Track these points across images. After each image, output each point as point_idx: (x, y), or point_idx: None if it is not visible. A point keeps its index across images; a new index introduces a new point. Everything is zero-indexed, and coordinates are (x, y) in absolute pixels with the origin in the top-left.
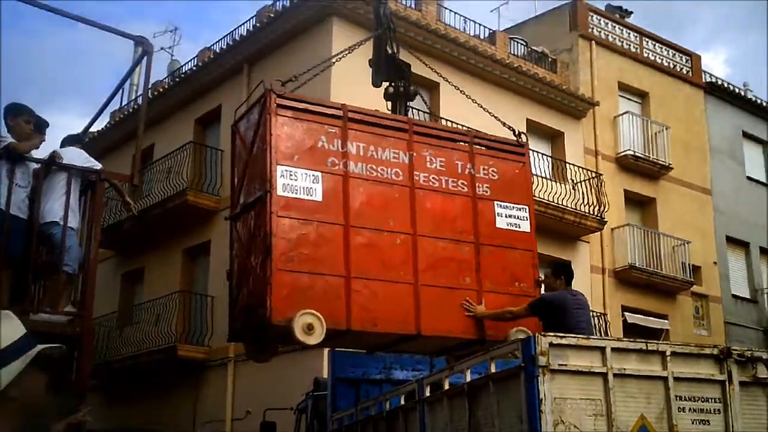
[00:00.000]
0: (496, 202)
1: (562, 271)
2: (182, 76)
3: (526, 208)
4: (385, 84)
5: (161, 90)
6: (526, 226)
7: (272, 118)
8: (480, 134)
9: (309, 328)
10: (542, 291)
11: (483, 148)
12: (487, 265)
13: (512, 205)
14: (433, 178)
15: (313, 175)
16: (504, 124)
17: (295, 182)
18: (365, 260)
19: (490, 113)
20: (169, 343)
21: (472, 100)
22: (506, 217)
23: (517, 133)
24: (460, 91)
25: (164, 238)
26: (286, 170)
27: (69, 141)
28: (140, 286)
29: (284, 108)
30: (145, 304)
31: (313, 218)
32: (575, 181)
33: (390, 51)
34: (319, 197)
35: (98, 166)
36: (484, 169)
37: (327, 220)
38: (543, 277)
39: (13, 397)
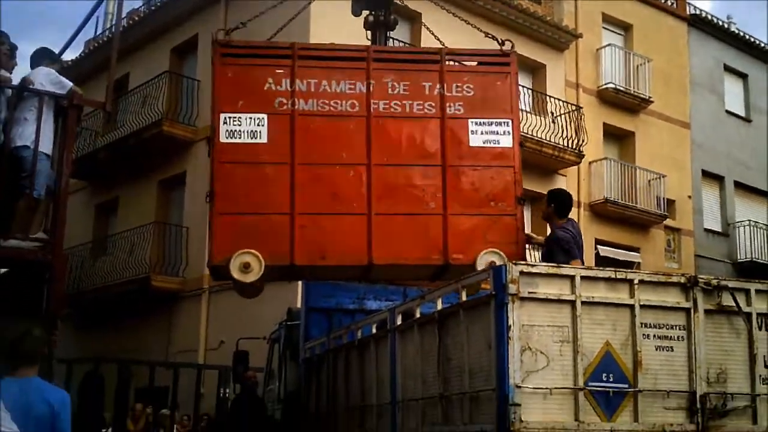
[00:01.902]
0: (470, 120)
1: (553, 200)
2: (158, 4)
3: (509, 121)
4: (365, 13)
5: (136, 18)
6: (506, 141)
7: (216, 68)
8: (454, 50)
9: (246, 267)
10: (524, 209)
11: (457, 64)
12: (458, 187)
13: (491, 120)
14: (395, 104)
15: (258, 118)
16: (487, 34)
17: (239, 127)
18: (314, 196)
19: (473, 25)
20: (143, 273)
21: (453, 14)
22: (482, 134)
23: (501, 41)
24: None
25: (139, 169)
26: (228, 117)
27: (39, 56)
28: (114, 217)
29: (230, 56)
30: (119, 235)
31: (257, 160)
32: (555, 114)
33: None
34: (264, 139)
35: (69, 85)
36: (457, 86)
37: (272, 160)
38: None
39: None
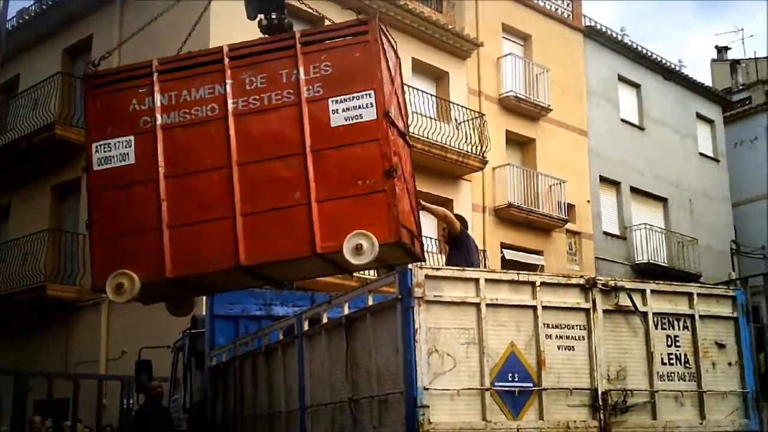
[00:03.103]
0: (330, 100)
1: (460, 220)
2: (50, 3)
3: (371, 92)
4: (261, 16)
5: (27, 18)
6: (370, 114)
7: (86, 101)
8: (308, 31)
9: (118, 288)
10: (395, 183)
11: (314, 45)
12: (321, 172)
13: (352, 95)
14: (253, 99)
15: (125, 141)
16: (344, 7)
17: (110, 152)
18: (182, 207)
19: (320, 14)
20: (37, 282)
21: (309, 7)
22: (344, 111)
23: (358, 11)
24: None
25: (31, 174)
26: (99, 145)
27: None
28: (5, 224)
29: (99, 87)
30: (12, 243)
31: (127, 182)
32: (459, 121)
33: None
34: (132, 160)
35: None
36: (314, 67)
37: (140, 179)
38: (393, 169)
39: None
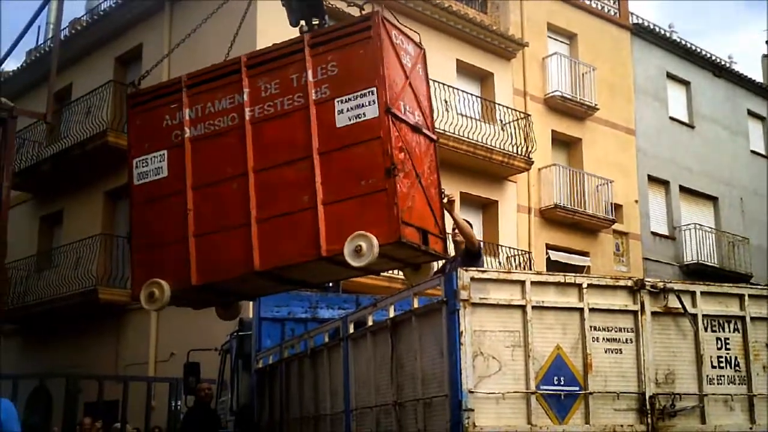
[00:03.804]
0: (336, 101)
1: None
2: (101, 13)
3: (373, 89)
4: (303, 22)
5: (79, 28)
6: (372, 112)
7: (128, 119)
8: (316, 32)
9: (150, 296)
10: (397, 181)
11: (322, 45)
12: (328, 174)
13: (355, 94)
14: (268, 106)
15: (159, 155)
16: (349, 4)
17: (147, 167)
18: (205, 216)
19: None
20: (89, 286)
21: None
22: (348, 110)
23: (361, 6)
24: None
25: (84, 180)
26: (139, 161)
27: None
28: (59, 230)
29: (138, 105)
30: (65, 248)
31: (161, 194)
32: (504, 122)
33: None
34: (165, 173)
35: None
36: (322, 69)
37: (171, 191)
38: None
39: None
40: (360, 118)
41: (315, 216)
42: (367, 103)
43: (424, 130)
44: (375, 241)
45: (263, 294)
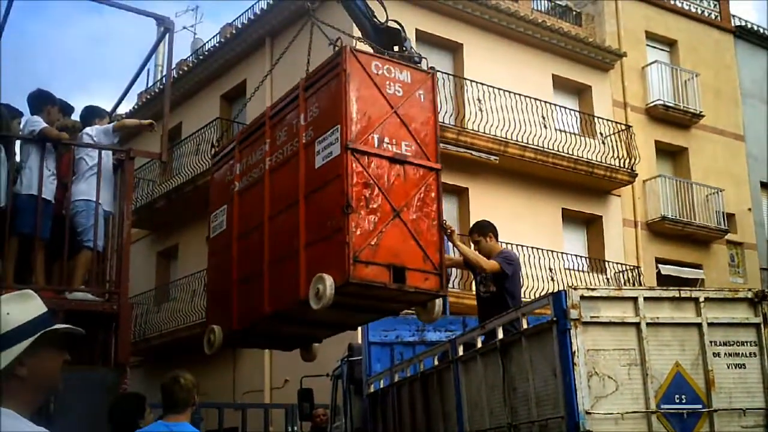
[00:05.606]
0: (316, 141)
1: (490, 229)
2: (206, 53)
3: (338, 126)
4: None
5: (185, 68)
6: (336, 149)
7: (210, 177)
8: (309, 74)
9: (209, 341)
10: (354, 218)
11: (311, 88)
12: (308, 216)
13: (327, 133)
14: (278, 154)
15: (222, 210)
16: (331, 42)
17: (216, 222)
18: (245, 264)
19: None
20: (205, 317)
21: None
22: (323, 150)
23: (334, 40)
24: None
25: (196, 215)
26: (213, 216)
27: (89, 115)
28: (175, 263)
29: (215, 164)
30: (181, 281)
31: (221, 246)
32: (605, 135)
33: (363, 18)
34: (224, 226)
35: (116, 140)
36: (310, 111)
37: (226, 242)
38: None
39: (19, 377)
40: (328, 157)
41: (293, 262)
42: (334, 141)
43: (414, 160)
44: (330, 283)
45: (315, 338)
